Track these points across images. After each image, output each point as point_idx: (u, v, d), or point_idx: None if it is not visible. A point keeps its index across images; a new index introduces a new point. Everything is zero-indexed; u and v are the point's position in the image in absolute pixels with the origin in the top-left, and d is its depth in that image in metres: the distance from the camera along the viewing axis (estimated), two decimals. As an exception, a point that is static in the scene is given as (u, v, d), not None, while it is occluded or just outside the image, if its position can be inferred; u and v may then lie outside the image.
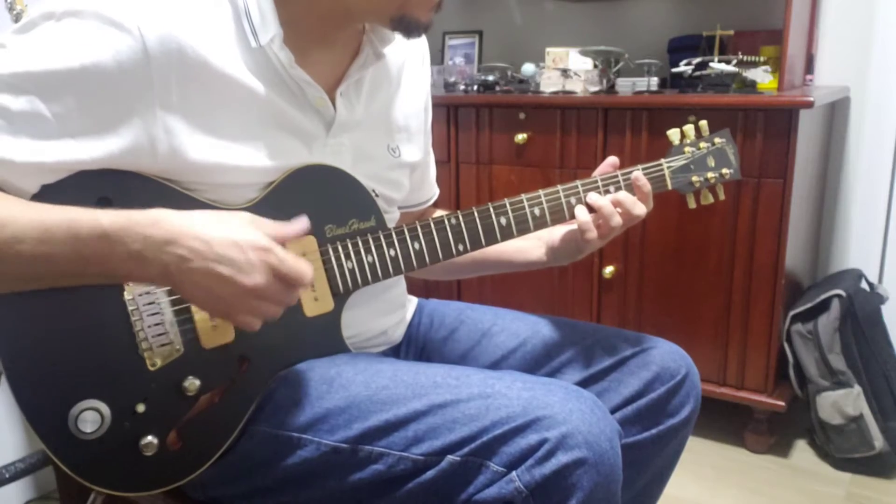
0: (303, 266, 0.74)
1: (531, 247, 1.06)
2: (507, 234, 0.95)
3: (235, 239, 0.71)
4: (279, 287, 0.73)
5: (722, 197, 1.05)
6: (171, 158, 0.77)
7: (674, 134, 1.03)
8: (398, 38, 0.91)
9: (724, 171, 1.04)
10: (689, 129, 1.03)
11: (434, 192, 1.16)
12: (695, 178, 1.02)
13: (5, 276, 0.72)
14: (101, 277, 0.73)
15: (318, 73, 0.85)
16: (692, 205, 1.04)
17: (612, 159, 1.00)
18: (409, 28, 0.84)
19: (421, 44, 1.03)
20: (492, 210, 0.94)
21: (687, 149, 1.03)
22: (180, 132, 0.77)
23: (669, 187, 1.01)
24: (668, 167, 1.01)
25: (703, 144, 1.03)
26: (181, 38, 0.75)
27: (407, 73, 1.00)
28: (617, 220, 0.94)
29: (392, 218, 1.00)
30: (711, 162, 1.03)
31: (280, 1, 0.81)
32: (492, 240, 0.94)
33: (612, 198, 0.95)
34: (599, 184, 0.97)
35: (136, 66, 0.73)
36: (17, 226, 0.69)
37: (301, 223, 0.76)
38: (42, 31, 0.74)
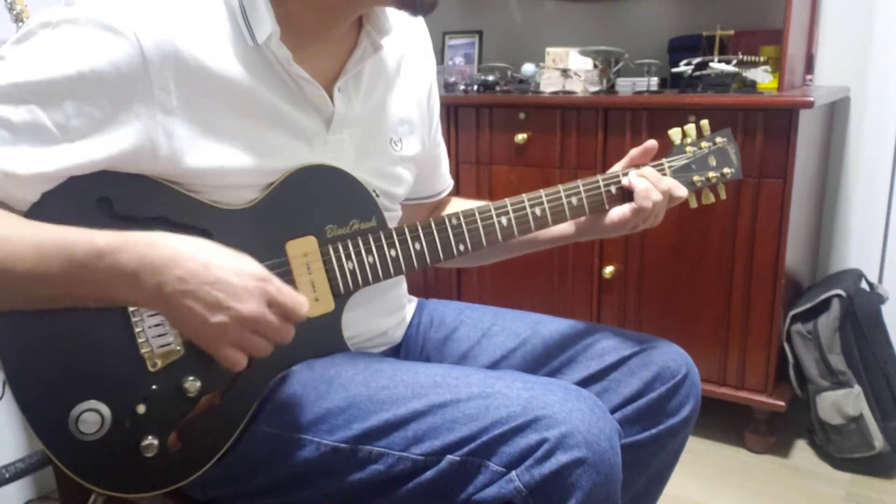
0: (301, 298, 0.73)
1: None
2: (508, 235, 0.95)
3: (234, 265, 0.71)
4: (274, 319, 0.72)
5: (723, 196, 1.05)
6: (171, 162, 0.77)
7: (675, 133, 1.03)
8: (396, 29, 0.91)
9: (726, 170, 1.04)
10: (690, 128, 1.03)
11: (448, 183, 1.16)
12: (696, 178, 1.02)
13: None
14: (94, 300, 0.72)
15: (316, 70, 0.85)
16: (693, 204, 1.04)
17: (650, 143, 1.00)
18: (414, 6, 0.83)
19: (422, 35, 1.02)
20: (493, 210, 0.94)
21: (688, 148, 1.03)
22: (181, 136, 0.77)
23: None
24: (670, 166, 1.01)
25: (704, 144, 1.03)
26: (177, 42, 0.75)
27: (407, 64, 0.99)
28: (657, 196, 0.95)
29: (394, 216, 0.99)
30: (713, 161, 1.03)
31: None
32: (493, 240, 0.94)
33: (667, 180, 0.97)
34: (601, 184, 0.97)
35: (133, 71, 0.73)
36: (11, 246, 0.69)
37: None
38: (39, 40, 0.74)
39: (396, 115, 0.97)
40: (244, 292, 0.70)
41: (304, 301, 0.74)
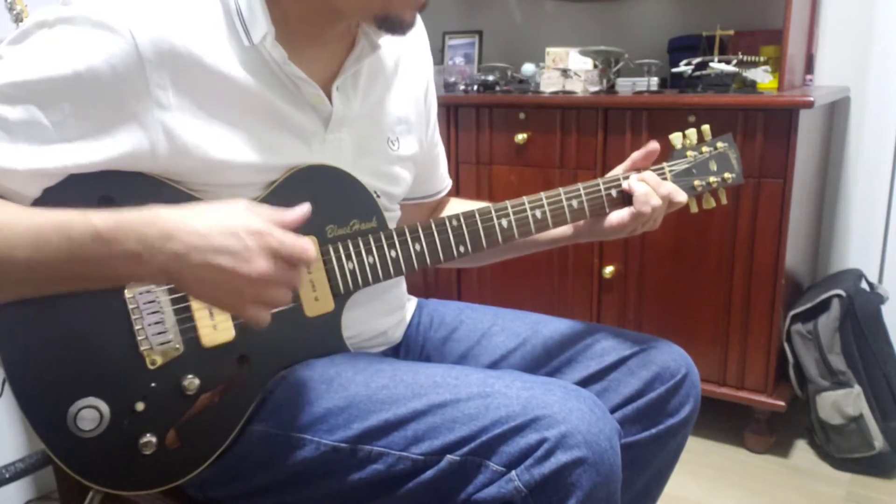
0: (304, 242, 0.71)
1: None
2: (508, 237, 0.95)
3: (230, 226, 0.69)
4: (284, 268, 0.70)
5: (724, 201, 1.05)
6: (170, 160, 0.78)
7: (676, 138, 1.03)
8: None
9: (727, 175, 1.03)
10: (691, 132, 1.03)
11: (446, 182, 1.16)
12: (697, 183, 1.02)
13: (2, 285, 0.71)
14: (102, 280, 0.71)
15: (313, 70, 0.85)
16: (694, 209, 1.04)
17: (652, 145, 0.99)
18: (393, 26, 0.84)
19: (420, 34, 1.02)
20: (493, 212, 0.94)
21: (689, 153, 1.02)
22: (179, 133, 0.77)
23: None
24: (670, 171, 1.01)
25: (705, 149, 1.03)
26: (174, 40, 0.75)
27: (405, 64, 0.99)
28: (656, 201, 0.95)
29: (393, 216, 0.99)
30: (714, 166, 1.03)
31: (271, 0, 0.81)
32: (493, 242, 0.94)
33: (666, 184, 0.96)
34: (602, 187, 0.97)
35: (129, 69, 0.73)
36: (10, 232, 0.69)
37: (302, 209, 0.73)
38: (36, 40, 0.74)
39: (394, 115, 0.97)
40: (248, 252, 0.68)
41: (310, 245, 0.71)
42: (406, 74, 0.99)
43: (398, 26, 0.84)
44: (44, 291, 0.73)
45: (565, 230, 1.03)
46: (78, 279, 0.71)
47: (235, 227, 0.69)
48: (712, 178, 1.03)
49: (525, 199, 0.95)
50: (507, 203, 0.95)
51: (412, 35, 1.00)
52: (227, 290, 0.69)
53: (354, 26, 0.90)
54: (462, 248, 0.93)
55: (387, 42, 0.93)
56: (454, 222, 0.92)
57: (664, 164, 1.01)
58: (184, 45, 0.76)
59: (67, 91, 0.72)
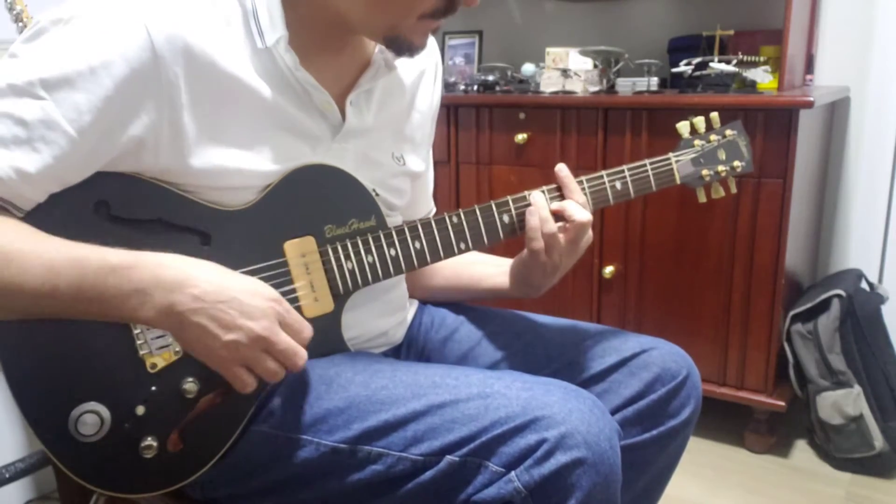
0: (305, 323, 0.76)
1: (492, 273, 1.06)
2: (509, 232, 0.95)
3: (247, 286, 0.73)
4: (286, 339, 0.73)
5: (734, 190, 1.03)
6: (174, 158, 0.78)
7: (683, 126, 1.01)
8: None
9: (736, 163, 1.01)
10: (698, 120, 1.01)
11: (430, 208, 1.15)
12: (705, 172, 1.00)
13: (8, 310, 0.73)
14: (101, 317, 0.73)
15: (325, 78, 0.85)
16: (702, 199, 1.02)
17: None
18: (401, 48, 0.84)
19: (436, 57, 1.04)
20: (494, 208, 0.94)
21: (697, 142, 1.00)
22: (187, 132, 0.77)
23: (678, 182, 0.99)
24: (677, 161, 0.99)
25: (713, 137, 1.01)
26: (188, 38, 0.75)
27: (422, 85, 1.01)
28: (552, 227, 0.91)
29: (393, 222, 0.99)
30: (722, 155, 1.01)
31: (288, 4, 0.81)
32: (494, 238, 0.94)
33: (556, 206, 0.93)
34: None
35: (144, 65, 0.73)
36: (24, 261, 0.70)
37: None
38: (51, 37, 0.74)
39: (404, 132, 0.98)
40: (257, 311, 0.71)
41: (309, 327, 0.76)
42: (420, 95, 1.00)
43: (406, 48, 0.85)
44: (46, 318, 0.74)
45: (503, 280, 1.04)
46: (82, 313, 0.72)
47: (251, 287, 0.73)
48: (721, 167, 1.01)
49: (527, 193, 0.94)
50: (509, 198, 0.94)
51: (430, 56, 1.01)
52: (226, 343, 0.71)
53: (371, 44, 0.91)
54: (463, 245, 0.93)
55: (406, 61, 0.93)
56: (454, 219, 0.92)
57: (670, 155, 0.99)
58: (198, 44, 0.76)
59: (83, 87, 0.72)
